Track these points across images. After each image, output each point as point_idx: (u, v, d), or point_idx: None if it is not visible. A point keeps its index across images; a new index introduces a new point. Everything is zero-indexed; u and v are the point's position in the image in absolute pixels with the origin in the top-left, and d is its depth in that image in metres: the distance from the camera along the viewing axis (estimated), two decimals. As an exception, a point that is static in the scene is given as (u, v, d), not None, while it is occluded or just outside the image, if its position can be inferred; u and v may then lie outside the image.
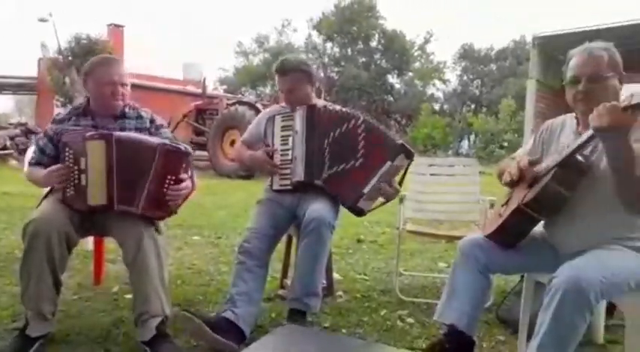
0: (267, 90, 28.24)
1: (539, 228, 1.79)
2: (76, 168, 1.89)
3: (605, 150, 1.46)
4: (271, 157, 2.31)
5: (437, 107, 29.32)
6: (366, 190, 2.11)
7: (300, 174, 2.24)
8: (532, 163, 1.67)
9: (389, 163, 2.10)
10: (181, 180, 1.93)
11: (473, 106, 29.90)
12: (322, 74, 29.21)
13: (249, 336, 1.97)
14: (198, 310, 2.30)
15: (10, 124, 15.15)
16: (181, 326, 1.94)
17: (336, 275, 2.90)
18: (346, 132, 2.18)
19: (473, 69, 30.42)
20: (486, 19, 50.26)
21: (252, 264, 2.08)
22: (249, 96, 23.18)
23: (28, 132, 13.13)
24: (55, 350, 1.90)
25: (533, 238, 1.76)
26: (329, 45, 31.07)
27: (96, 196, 1.90)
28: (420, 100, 27.57)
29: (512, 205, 1.71)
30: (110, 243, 2.51)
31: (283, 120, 2.33)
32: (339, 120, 2.21)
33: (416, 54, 30.89)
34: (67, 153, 1.91)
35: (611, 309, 2.21)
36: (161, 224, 2.01)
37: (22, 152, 10.62)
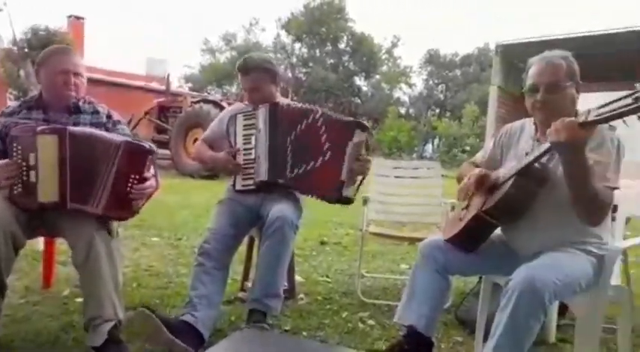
0: (234, 88, 27.91)
1: (497, 231, 1.83)
2: (24, 164, 1.80)
3: (561, 162, 1.50)
4: (234, 157, 2.26)
5: (403, 111, 29.78)
6: (343, 177, 2.09)
7: (263, 174, 2.20)
8: (483, 180, 1.70)
9: (350, 143, 2.08)
10: (145, 179, 1.87)
11: (437, 110, 30.56)
12: (290, 74, 29.17)
13: (208, 340, 1.91)
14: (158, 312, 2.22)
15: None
16: (139, 325, 1.85)
17: (298, 278, 2.87)
18: (307, 128, 2.15)
19: (438, 74, 31.07)
20: (452, 26, 51.50)
21: (211, 265, 2.03)
22: (215, 95, 22.87)
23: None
24: (-2, 357, 1.80)
25: (492, 241, 1.79)
26: (297, 45, 31.06)
27: (47, 193, 1.80)
28: (387, 103, 27.93)
29: (473, 210, 1.73)
30: (62, 244, 2.40)
31: (245, 119, 2.29)
32: (300, 117, 2.18)
33: (383, 57, 31.28)
34: (15, 148, 1.81)
35: (562, 310, 2.28)
36: (114, 224, 1.93)
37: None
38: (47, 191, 1.80)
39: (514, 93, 7.20)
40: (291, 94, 15.43)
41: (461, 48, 44.96)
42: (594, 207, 1.50)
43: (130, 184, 1.83)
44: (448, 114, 28.28)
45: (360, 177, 2.19)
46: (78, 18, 19.55)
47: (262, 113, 2.23)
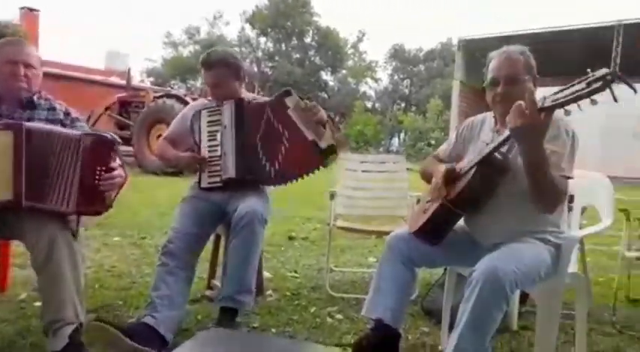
0: (199, 83, 27.41)
1: (461, 223, 1.86)
2: (-27, 162, 1.70)
3: (520, 151, 1.54)
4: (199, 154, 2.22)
5: (369, 105, 30.08)
6: (310, 137, 2.07)
7: (231, 171, 2.17)
8: (449, 174, 1.73)
9: (290, 111, 2.08)
10: (113, 169, 1.82)
11: (403, 105, 30.98)
12: (256, 69, 28.88)
13: (173, 341, 1.87)
14: (117, 315, 2.17)
15: None
16: (96, 336, 1.80)
17: (266, 274, 2.85)
18: (268, 119, 2.14)
19: (403, 69, 31.50)
20: (416, 21, 52.14)
21: (174, 265, 1.98)
22: (179, 90, 22.37)
23: None
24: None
25: (455, 233, 1.82)
26: (263, 39, 30.78)
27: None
28: (353, 98, 28.14)
29: (437, 202, 1.76)
30: (18, 246, 2.29)
31: (210, 115, 2.25)
32: (262, 111, 2.16)
33: (349, 52, 31.42)
34: None
35: (524, 298, 2.36)
36: (78, 225, 1.86)
37: None
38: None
39: (475, 88, 7.39)
40: (258, 89, 15.27)
41: (425, 43, 45.71)
42: (550, 195, 1.55)
43: (97, 177, 1.79)
44: (413, 108, 28.72)
45: (322, 123, 2.11)
46: (32, 10, 18.66)
47: (228, 109, 2.19)
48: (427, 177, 1.90)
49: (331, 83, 31.46)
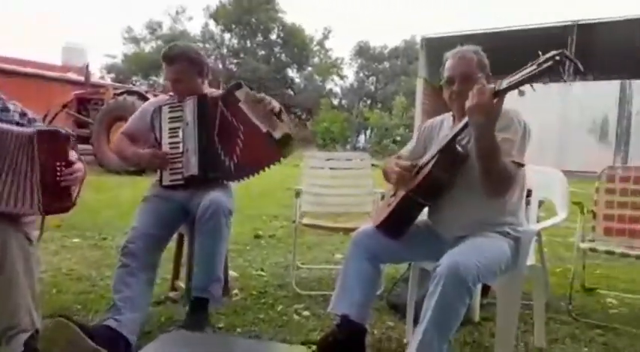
0: (161, 80, 26.80)
1: (424, 217, 1.89)
2: None
3: (474, 137, 1.59)
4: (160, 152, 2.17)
5: (335, 102, 30.15)
6: (264, 129, 2.06)
7: (193, 168, 2.13)
8: (412, 168, 1.78)
9: (241, 104, 2.07)
10: (72, 163, 1.76)
11: (369, 102, 31.24)
12: (220, 65, 28.48)
13: (136, 343, 1.82)
14: (77, 319, 2.08)
15: None
16: (56, 335, 1.72)
17: (232, 273, 2.82)
18: (222, 113, 2.11)
19: (368, 66, 31.73)
20: (381, 18, 52.61)
21: (135, 266, 1.92)
22: (141, 86, 21.79)
23: None
24: None
25: (418, 228, 1.85)
26: (227, 36, 30.37)
27: None
28: (320, 95, 28.15)
29: (400, 194, 1.79)
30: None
31: (171, 111, 2.19)
32: (216, 105, 2.13)
33: (315, 49, 31.40)
34: None
35: (485, 290, 2.42)
36: (31, 229, 1.79)
37: None
38: None
39: (436, 86, 7.54)
40: (223, 85, 15.07)
41: (389, 40, 46.18)
42: (500, 180, 1.61)
43: (58, 173, 1.72)
44: (379, 105, 29.01)
45: (275, 114, 2.10)
46: (-20, 2, 17.75)
47: (190, 105, 2.15)
48: (389, 176, 1.93)
49: (297, 80, 31.39)
